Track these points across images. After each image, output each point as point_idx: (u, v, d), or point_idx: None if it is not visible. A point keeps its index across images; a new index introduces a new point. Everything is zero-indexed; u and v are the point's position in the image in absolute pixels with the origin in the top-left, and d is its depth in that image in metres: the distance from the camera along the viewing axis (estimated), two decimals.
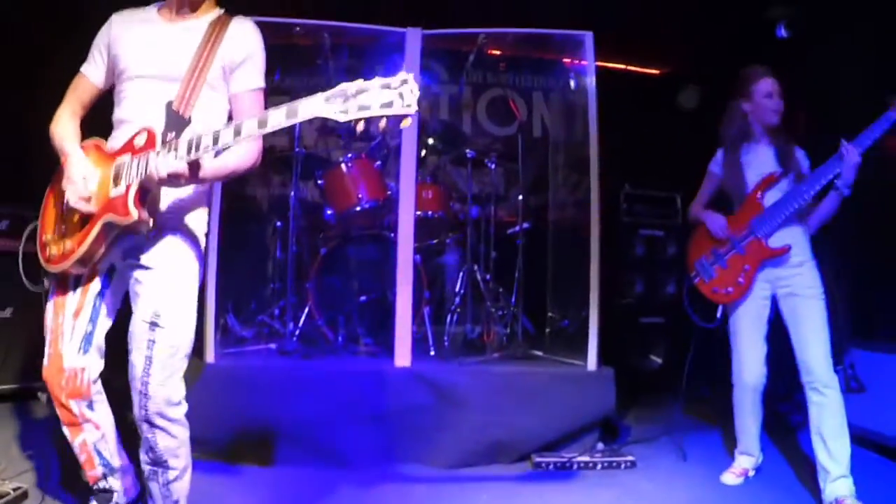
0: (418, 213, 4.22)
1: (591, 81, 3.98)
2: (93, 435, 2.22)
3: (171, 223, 2.13)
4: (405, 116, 1.66)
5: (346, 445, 3.37)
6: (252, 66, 2.21)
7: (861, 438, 3.69)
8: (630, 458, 3.49)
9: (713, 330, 3.44)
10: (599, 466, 3.45)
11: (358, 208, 4.15)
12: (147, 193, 1.98)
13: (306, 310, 4.15)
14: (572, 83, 4.64)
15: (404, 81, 1.64)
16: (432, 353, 4.03)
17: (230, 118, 2.22)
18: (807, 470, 3.11)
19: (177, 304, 2.11)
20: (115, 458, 2.30)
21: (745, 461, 3.32)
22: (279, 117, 1.74)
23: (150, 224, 2.00)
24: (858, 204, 3.15)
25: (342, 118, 1.67)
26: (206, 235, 2.29)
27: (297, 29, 4.25)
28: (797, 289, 3.07)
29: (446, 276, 4.63)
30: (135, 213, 1.93)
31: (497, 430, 3.48)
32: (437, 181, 4.60)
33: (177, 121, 2.03)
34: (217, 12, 2.25)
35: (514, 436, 3.50)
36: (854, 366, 3.83)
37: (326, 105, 1.67)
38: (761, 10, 4.69)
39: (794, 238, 3.11)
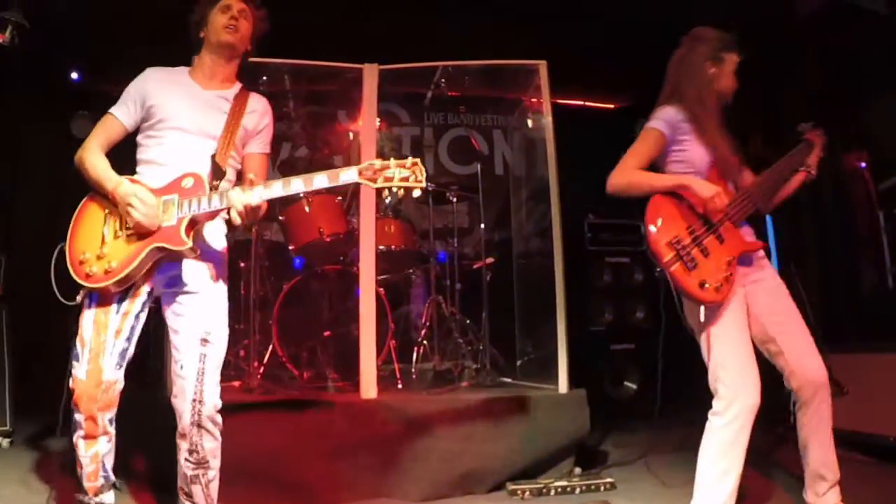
0: (381, 247, 4.22)
1: (547, 111, 4.05)
2: (105, 447, 2.39)
3: (205, 254, 2.47)
4: (416, 188, 2.24)
5: (312, 481, 3.24)
6: (266, 135, 2.69)
7: (848, 441, 3.66)
8: (609, 480, 3.40)
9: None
10: (578, 490, 3.36)
11: (319, 242, 4.12)
12: (195, 226, 2.36)
13: (270, 347, 4.06)
14: (530, 121, 4.73)
15: (415, 164, 2.23)
16: (400, 386, 3.95)
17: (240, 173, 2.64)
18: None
19: (220, 322, 2.50)
20: (111, 474, 2.44)
21: None
22: (323, 180, 2.28)
23: (196, 252, 2.35)
24: (820, 215, 3.17)
25: (373, 186, 2.23)
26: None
27: (264, 78, 4.34)
28: (769, 281, 2.65)
29: (412, 310, 4.59)
30: (188, 242, 2.30)
31: (469, 459, 3.39)
32: (399, 216, 4.60)
33: (217, 171, 2.46)
34: (238, 86, 2.67)
35: (488, 464, 3.41)
36: (831, 368, 3.80)
37: (360, 176, 2.23)
38: None
39: (752, 231, 2.71)
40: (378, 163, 2.23)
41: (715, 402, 2.50)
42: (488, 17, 5.03)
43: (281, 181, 2.31)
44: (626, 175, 2.63)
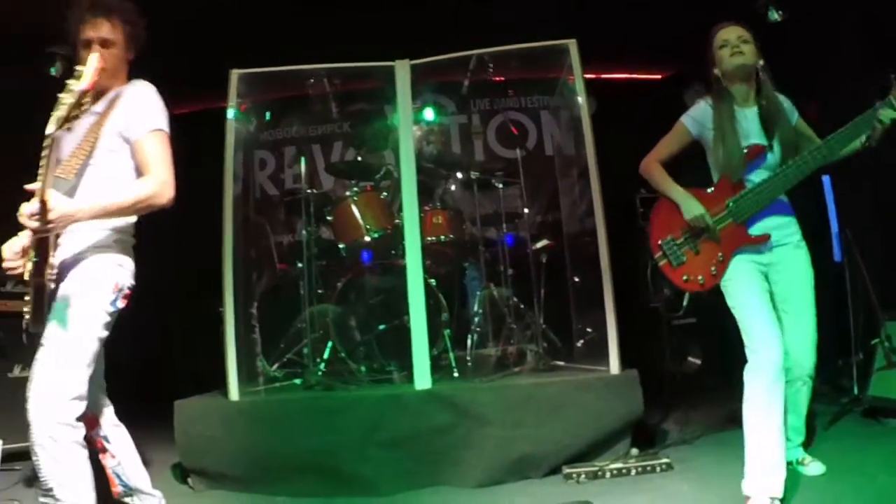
0: (430, 238, 4.29)
1: (580, 88, 3.99)
2: (110, 460, 2.55)
3: (70, 270, 2.34)
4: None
5: (370, 472, 3.37)
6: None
7: None
8: (666, 460, 3.35)
9: None
10: (634, 472, 3.32)
11: (367, 239, 4.24)
12: (43, 257, 2.19)
13: (329, 343, 4.20)
14: (571, 99, 4.66)
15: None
16: (455, 374, 4.01)
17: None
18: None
19: (56, 334, 2.27)
20: (130, 483, 2.59)
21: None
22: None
23: (43, 282, 2.20)
24: (881, 177, 2.99)
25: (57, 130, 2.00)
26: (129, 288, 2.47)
27: (310, 81, 4.47)
28: (788, 275, 2.78)
29: (466, 298, 4.64)
30: (32, 275, 2.19)
31: (523, 445, 3.41)
32: (447, 206, 4.64)
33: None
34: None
35: (542, 448, 3.42)
36: (891, 338, 3.63)
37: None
38: None
39: (780, 219, 2.80)
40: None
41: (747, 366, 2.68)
42: None
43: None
44: (647, 165, 2.99)
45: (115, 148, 2.43)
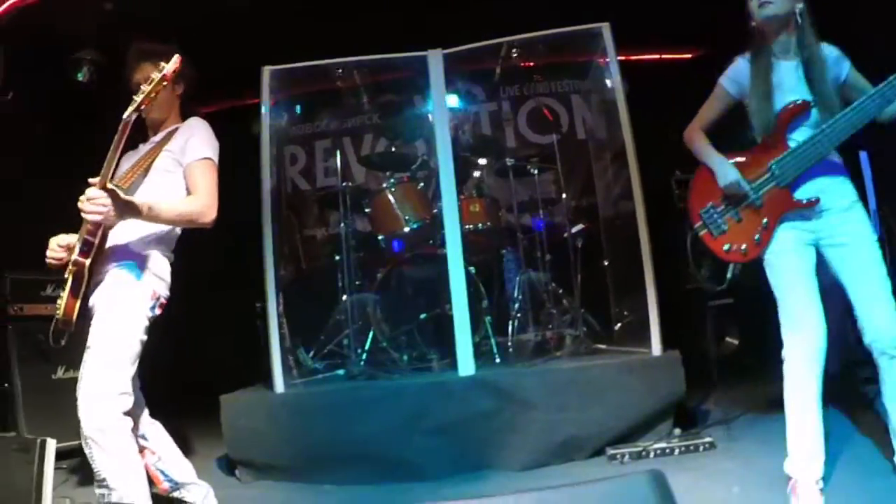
0: (468, 226, 4.33)
1: (615, 71, 3.98)
2: (151, 458, 2.63)
3: (112, 266, 2.52)
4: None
5: (416, 458, 3.44)
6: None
7: None
8: (709, 439, 3.36)
9: None
10: (677, 451, 3.34)
11: (406, 229, 4.29)
12: (88, 246, 2.38)
13: (370, 333, 4.28)
14: (603, 82, 4.65)
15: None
16: (497, 360, 4.06)
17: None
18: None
19: (100, 337, 2.43)
20: (175, 479, 2.67)
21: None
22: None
23: (84, 266, 2.37)
24: None
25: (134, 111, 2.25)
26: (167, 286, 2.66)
27: (340, 71, 4.53)
28: (843, 238, 2.49)
29: (505, 284, 4.68)
30: (73, 258, 2.38)
31: (567, 427, 3.45)
32: (483, 194, 4.68)
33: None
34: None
35: (586, 431, 3.46)
36: None
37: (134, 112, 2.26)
38: None
39: (830, 180, 2.53)
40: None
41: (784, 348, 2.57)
42: None
43: None
44: (689, 133, 2.80)
45: (171, 169, 2.69)
